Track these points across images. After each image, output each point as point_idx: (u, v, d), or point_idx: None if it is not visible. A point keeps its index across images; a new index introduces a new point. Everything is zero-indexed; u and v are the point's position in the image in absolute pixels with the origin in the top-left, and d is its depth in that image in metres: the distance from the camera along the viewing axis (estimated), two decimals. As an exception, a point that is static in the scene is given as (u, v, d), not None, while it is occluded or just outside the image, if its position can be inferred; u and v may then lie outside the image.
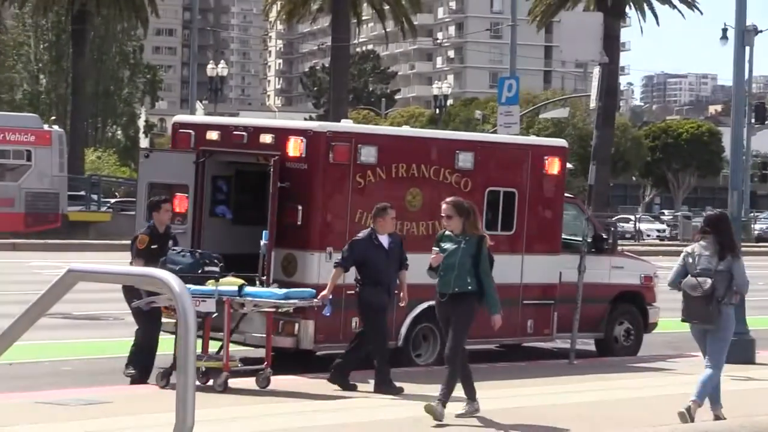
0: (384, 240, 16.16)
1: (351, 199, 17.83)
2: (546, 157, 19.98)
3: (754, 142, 64.26)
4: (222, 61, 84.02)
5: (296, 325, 17.34)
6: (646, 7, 56.93)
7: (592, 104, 23.31)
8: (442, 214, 14.01)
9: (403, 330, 18.17)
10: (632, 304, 21.28)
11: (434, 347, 18.39)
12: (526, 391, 16.46)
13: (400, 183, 18.36)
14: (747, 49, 22.80)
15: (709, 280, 13.72)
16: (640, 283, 21.51)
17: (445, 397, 13.38)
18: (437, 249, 14.00)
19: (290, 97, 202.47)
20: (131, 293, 16.19)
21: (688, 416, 13.56)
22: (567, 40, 25.00)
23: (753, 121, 55.01)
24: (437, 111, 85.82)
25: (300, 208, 17.42)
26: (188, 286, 14.87)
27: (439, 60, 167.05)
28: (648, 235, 64.73)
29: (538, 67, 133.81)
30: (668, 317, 22.42)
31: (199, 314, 15.67)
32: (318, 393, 15.77)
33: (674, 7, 56.64)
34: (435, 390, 14.89)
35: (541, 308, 19.75)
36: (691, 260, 14.06)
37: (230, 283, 16.14)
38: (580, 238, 19.93)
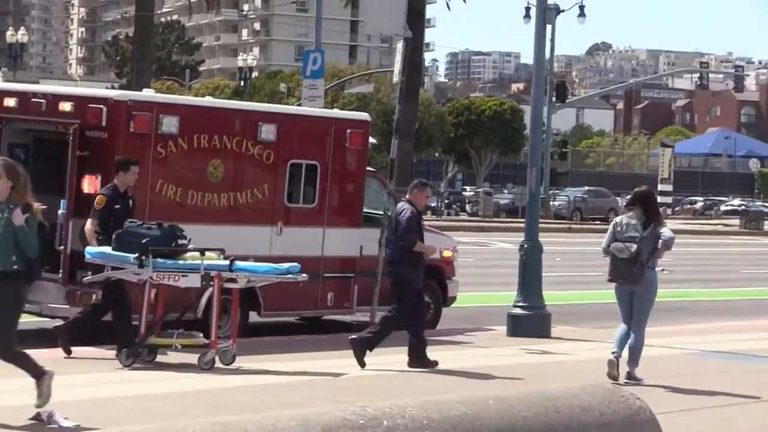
0: None
1: (152, 170, 17.69)
2: (348, 131, 20.11)
3: (555, 120, 66.39)
4: (22, 28, 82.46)
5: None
6: None
7: (395, 79, 23.86)
8: None
9: (203, 302, 17.80)
10: (432, 278, 21.06)
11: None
12: (322, 363, 16.55)
13: (202, 154, 18.26)
14: (548, 27, 23.60)
15: (635, 245, 15.47)
16: (440, 258, 21.51)
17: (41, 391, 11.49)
18: None
19: (93, 66, 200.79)
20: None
21: (616, 365, 15.49)
22: (372, 15, 25.65)
23: (554, 99, 56.70)
24: (242, 83, 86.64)
25: (99, 177, 17.25)
26: (164, 260, 15.54)
27: (244, 32, 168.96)
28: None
29: (344, 41, 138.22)
30: (467, 291, 23.56)
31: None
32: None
33: None
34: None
35: (342, 281, 19.92)
36: (619, 229, 15.89)
37: (213, 258, 15.81)
38: (382, 212, 19.98)
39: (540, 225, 22.86)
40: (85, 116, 17.32)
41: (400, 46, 23.08)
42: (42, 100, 17.94)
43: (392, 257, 16.80)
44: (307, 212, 19.72)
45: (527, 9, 55.81)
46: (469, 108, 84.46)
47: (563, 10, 55.33)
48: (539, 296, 20.22)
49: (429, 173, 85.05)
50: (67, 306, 17.37)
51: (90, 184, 17.45)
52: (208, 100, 25.69)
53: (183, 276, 15.70)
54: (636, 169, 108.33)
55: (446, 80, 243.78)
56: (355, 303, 19.98)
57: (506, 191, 76.07)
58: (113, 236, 15.76)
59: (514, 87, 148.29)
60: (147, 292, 15.82)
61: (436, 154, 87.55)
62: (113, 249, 15.71)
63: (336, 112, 26.14)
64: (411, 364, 16.26)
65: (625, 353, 15.90)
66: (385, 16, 24.29)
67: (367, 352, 16.24)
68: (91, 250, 15.78)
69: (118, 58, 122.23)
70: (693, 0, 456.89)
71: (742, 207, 79.94)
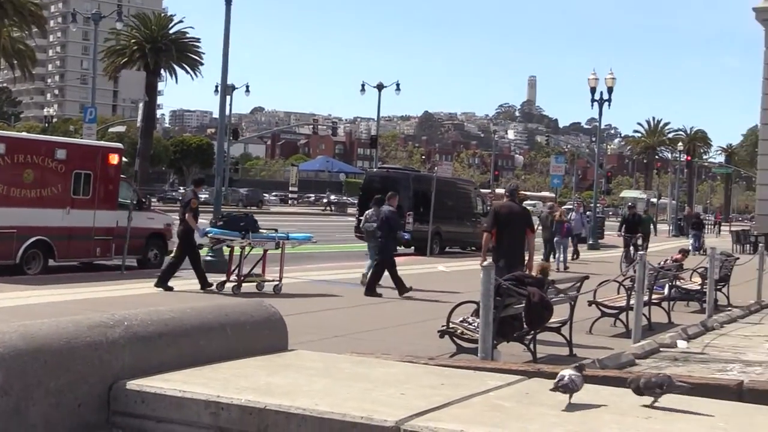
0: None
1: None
2: (110, 154, 22.34)
3: (232, 150, 73.44)
4: None
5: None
6: (172, 72, 66.98)
7: (138, 124, 27.13)
8: None
9: (20, 252, 20.07)
10: (159, 239, 23.69)
11: (39, 264, 20.52)
12: (97, 288, 17.85)
13: (20, 166, 20.04)
14: (228, 97, 27.05)
15: (374, 225, 19.83)
16: (163, 227, 23.89)
17: None
18: None
19: None
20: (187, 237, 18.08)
21: (364, 276, 19.79)
22: (124, 86, 28.57)
23: (231, 138, 58.73)
24: (47, 125, 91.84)
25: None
26: (255, 233, 18.25)
27: (48, 95, 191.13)
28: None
29: (109, 101, 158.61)
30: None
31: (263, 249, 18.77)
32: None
33: (187, 72, 67.89)
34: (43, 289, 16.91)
35: (105, 241, 21.90)
36: (368, 216, 20.37)
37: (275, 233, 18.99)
38: (129, 201, 22.35)
39: (223, 208, 24.98)
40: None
41: (141, 105, 26.31)
42: None
43: (380, 233, 19.27)
44: (85, 201, 21.40)
45: (216, 86, 59.69)
46: (183, 142, 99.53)
47: (236, 87, 63.87)
48: (219, 249, 21.59)
49: (158, 179, 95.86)
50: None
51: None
52: (25, 134, 25.48)
53: (267, 242, 18.56)
54: (278, 178, 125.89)
55: (170, 126, 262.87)
56: (113, 253, 22.10)
57: (204, 189, 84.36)
58: (223, 221, 18.77)
59: (209, 131, 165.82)
60: (242, 253, 18.38)
61: (163, 168, 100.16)
62: (221, 228, 18.53)
63: (102, 143, 26.23)
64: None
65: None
66: (132, 87, 26.12)
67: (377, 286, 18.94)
68: (211, 229, 18.64)
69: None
70: (308, 76, 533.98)
71: (336, 200, 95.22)
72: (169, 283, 18.32)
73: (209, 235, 18.29)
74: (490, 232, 14.14)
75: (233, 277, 18.53)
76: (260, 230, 18.76)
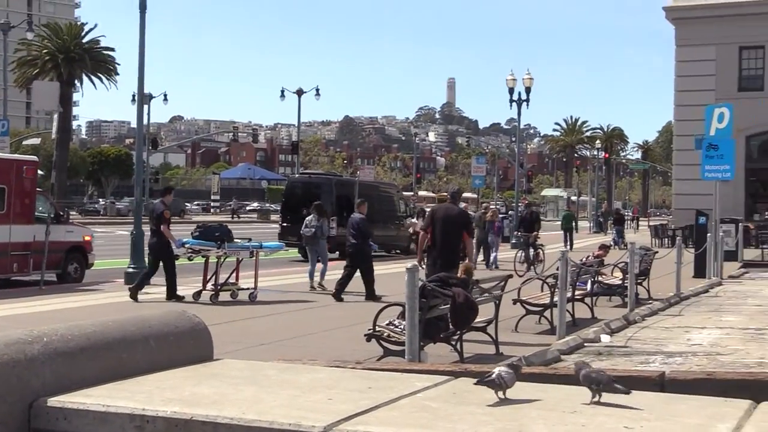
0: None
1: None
2: (25, 167, 22.35)
3: (151, 160, 74.03)
4: None
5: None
6: (87, 81, 67.86)
7: (53, 136, 27.30)
8: None
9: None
10: (78, 253, 23.85)
11: None
12: (16, 304, 17.62)
13: None
14: (145, 107, 27.61)
15: (314, 229, 21.31)
16: (83, 240, 24.10)
17: None
18: None
19: None
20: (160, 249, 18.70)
21: (317, 286, 20.75)
22: (38, 98, 28.50)
23: (150, 147, 61.17)
24: None
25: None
26: (230, 243, 18.92)
27: None
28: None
29: (22, 114, 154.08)
30: (101, 259, 26.09)
31: (238, 258, 19.50)
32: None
33: (102, 82, 68.51)
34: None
35: (23, 256, 21.78)
36: (307, 221, 21.44)
37: (248, 242, 19.76)
38: (47, 215, 22.61)
39: (143, 220, 23.89)
40: None
41: (55, 117, 26.42)
42: None
43: (355, 239, 19.63)
44: (1, 216, 21.33)
45: (133, 95, 59.22)
46: (101, 153, 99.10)
47: (154, 96, 63.57)
48: (142, 261, 22.17)
49: (76, 192, 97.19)
50: None
51: None
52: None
53: (242, 251, 19.30)
54: (199, 187, 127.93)
55: (87, 137, 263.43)
56: (31, 268, 21.98)
57: (125, 200, 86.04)
58: (199, 231, 19.04)
59: (128, 141, 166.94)
60: (218, 262, 19.05)
61: (81, 180, 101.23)
62: (197, 238, 18.94)
63: (18, 156, 26.20)
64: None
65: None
66: (46, 99, 25.97)
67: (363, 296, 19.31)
68: (188, 240, 18.96)
69: None
70: (226, 84, 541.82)
71: (259, 207, 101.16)
72: (178, 293, 19.14)
73: (186, 245, 18.66)
74: (426, 231, 14.38)
75: (210, 286, 19.12)
76: (235, 240, 19.42)
